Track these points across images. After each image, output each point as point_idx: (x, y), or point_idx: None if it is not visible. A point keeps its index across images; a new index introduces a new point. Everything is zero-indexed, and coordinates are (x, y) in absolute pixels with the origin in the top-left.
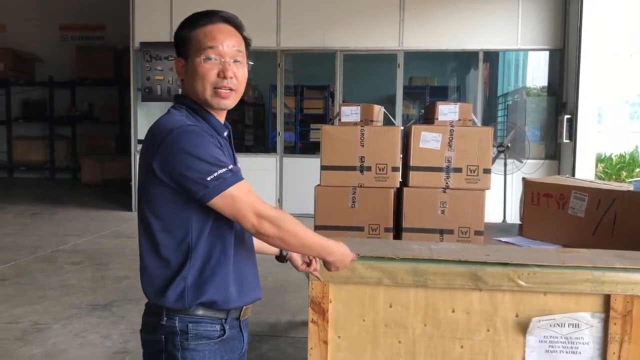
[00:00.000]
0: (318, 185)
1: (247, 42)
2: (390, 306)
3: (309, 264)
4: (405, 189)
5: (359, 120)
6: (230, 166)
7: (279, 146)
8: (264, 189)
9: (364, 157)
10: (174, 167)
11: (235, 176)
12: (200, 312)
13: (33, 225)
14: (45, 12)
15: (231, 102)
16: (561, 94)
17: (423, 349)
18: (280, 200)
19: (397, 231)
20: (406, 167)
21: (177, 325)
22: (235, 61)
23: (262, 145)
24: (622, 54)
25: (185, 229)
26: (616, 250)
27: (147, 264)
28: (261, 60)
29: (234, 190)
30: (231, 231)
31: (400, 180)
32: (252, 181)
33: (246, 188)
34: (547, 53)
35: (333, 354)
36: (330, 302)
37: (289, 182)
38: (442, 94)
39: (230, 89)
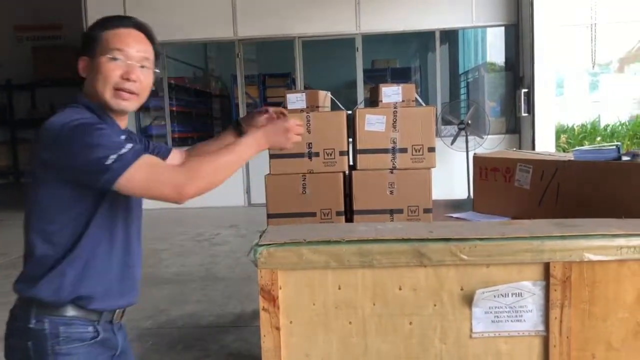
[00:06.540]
0: (268, 174)
1: (156, 53)
2: (339, 288)
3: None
4: (354, 172)
5: (305, 107)
6: (130, 145)
7: None
8: (232, 181)
9: (311, 143)
10: (70, 162)
11: (137, 153)
12: (71, 313)
13: None
14: None
15: (131, 104)
16: (518, 68)
17: (374, 327)
18: (248, 191)
19: (350, 214)
20: (355, 151)
21: (46, 328)
22: (142, 67)
23: None
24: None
25: (67, 227)
26: (558, 219)
27: (26, 256)
28: (221, 52)
29: (140, 164)
30: (114, 230)
31: (351, 164)
32: None
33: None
34: (502, 29)
35: (286, 339)
36: (280, 288)
37: (255, 172)
38: (404, 75)
39: (132, 92)
